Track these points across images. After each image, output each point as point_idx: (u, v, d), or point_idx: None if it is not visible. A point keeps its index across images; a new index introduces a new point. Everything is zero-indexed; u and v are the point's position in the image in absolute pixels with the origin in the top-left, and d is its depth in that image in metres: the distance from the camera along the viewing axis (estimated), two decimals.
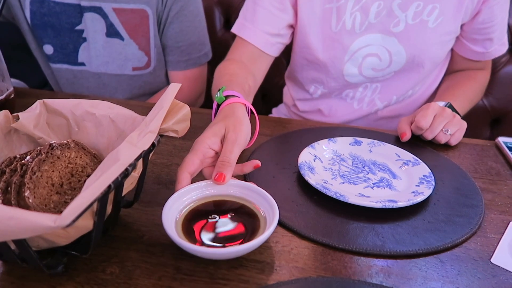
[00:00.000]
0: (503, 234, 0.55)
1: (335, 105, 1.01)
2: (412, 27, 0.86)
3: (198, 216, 0.51)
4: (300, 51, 0.96)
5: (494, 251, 0.52)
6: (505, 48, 0.95)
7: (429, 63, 0.91)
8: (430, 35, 0.86)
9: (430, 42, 0.87)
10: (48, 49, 1.06)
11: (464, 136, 0.79)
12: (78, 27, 1.02)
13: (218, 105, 0.67)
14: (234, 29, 0.93)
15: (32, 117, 0.53)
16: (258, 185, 0.54)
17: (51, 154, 0.48)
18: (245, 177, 0.64)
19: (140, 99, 1.15)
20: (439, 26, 0.85)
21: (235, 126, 0.58)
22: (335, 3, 0.87)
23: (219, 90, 0.68)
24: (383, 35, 0.87)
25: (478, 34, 0.90)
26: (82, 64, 1.07)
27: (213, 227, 0.50)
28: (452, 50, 0.97)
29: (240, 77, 0.80)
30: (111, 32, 1.02)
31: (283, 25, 0.90)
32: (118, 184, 0.41)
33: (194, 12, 1.07)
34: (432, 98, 1.02)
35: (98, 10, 1.00)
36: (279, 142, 0.75)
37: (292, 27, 0.93)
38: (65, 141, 0.50)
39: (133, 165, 0.43)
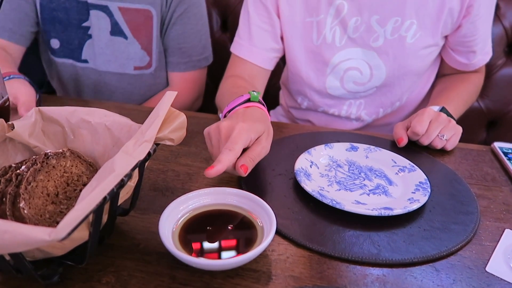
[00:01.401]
0: (498, 242, 0.55)
1: (324, 119, 1.02)
2: (391, 42, 0.86)
3: (195, 226, 0.51)
4: (287, 62, 0.98)
5: (489, 260, 0.52)
6: (488, 56, 0.95)
7: (410, 76, 0.92)
8: (409, 50, 0.86)
9: (409, 57, 0.88)
10: (55, 43, 1.07)
11: (461, 138, 0.79)
12: (85, 24, 1.03)
13: (248, 100, 0.69)
14: (232, 49, 0.95)
15: (27, 126, 0.52)
16: (254, 192, 0.54)
17: (47, 163, 0.48)
18: (240, 184, 0.64)
19: (140, 101, 1.15)
20: (418, 41, 0.86)
21: (268, 134, 0.64)
22: (315, 18, 0.88)
23: (254, 91, 0.71)
24: (363, 50, 0.88)
25: (461, 46, 0.90)
26: (85, 61, 1.08)
27: (210, 237, 0.50)
28: (441, 57, 0.97)
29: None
30: (116, 30, 1.03)
31: (276, 38, 0.92)
32: (113, 195, 0.41)
33: (197, 16, 1.08)
34: (424, 102, 1.01)
35: (104, 9, 1.01)
36: (275, 147, 0.75)
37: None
38: (60, 150, 0.50)
39: (128, 176, 0.43)
